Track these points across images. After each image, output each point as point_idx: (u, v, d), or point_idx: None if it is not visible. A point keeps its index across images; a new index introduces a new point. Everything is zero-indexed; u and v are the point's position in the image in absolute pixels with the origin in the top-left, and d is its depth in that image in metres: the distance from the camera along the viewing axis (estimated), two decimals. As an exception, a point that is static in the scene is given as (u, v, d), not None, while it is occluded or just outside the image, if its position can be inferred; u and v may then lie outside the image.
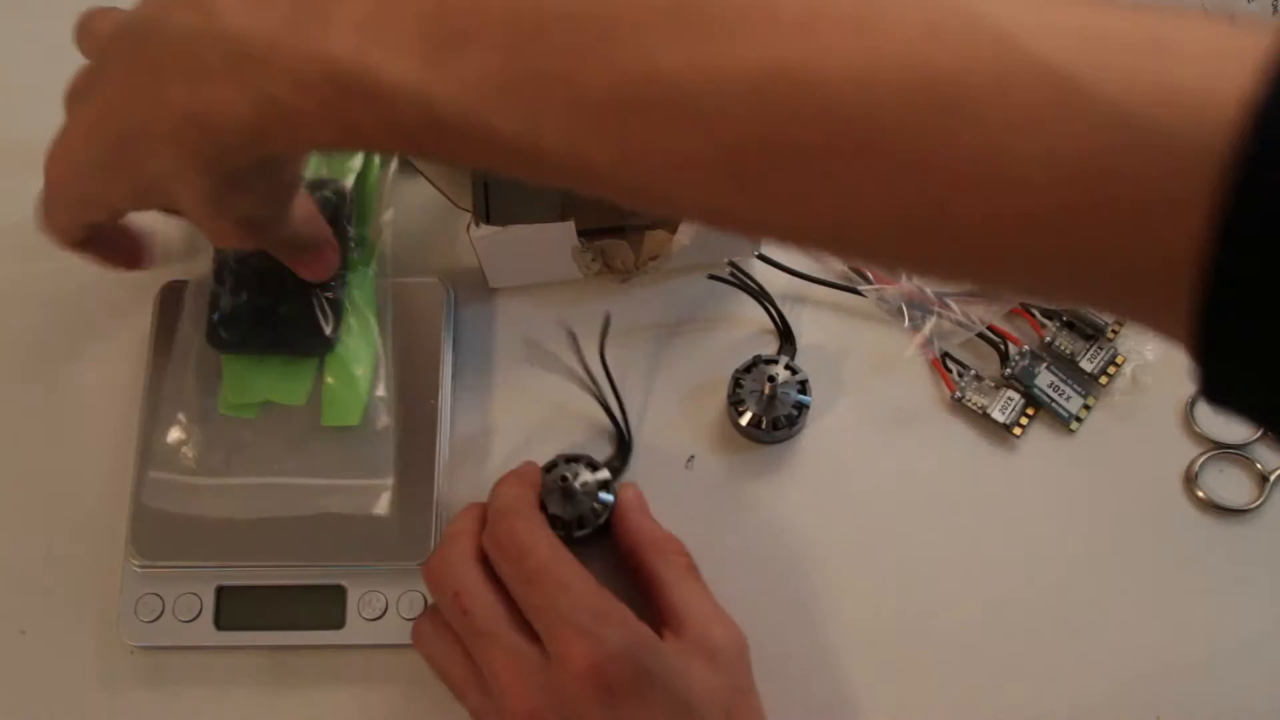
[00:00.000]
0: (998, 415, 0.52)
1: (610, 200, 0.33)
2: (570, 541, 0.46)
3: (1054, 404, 0.52)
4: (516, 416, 0.53)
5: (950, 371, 0.53)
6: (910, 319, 0.54)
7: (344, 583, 0.49)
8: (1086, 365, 0.53)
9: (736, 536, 0.51)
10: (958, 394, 0.52)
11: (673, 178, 0.31)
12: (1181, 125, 0.24)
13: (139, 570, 0.49)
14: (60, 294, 0.57)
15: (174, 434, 0.49)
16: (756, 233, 0.38)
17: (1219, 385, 0.26)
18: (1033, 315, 0.54)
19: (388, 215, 0.52)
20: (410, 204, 0.58)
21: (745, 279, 0.53)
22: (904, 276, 0.54)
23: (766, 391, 0.51)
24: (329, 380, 0.50)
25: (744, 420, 0.52)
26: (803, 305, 0.55)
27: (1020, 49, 0.26)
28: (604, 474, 0.50)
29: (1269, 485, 0.51)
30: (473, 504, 0.47)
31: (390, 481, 0.49)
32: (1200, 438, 0.52)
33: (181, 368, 0.50)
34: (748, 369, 0.52)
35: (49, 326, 0.56)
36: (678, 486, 0.52)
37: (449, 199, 0.49)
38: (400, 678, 0.49)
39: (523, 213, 0.57)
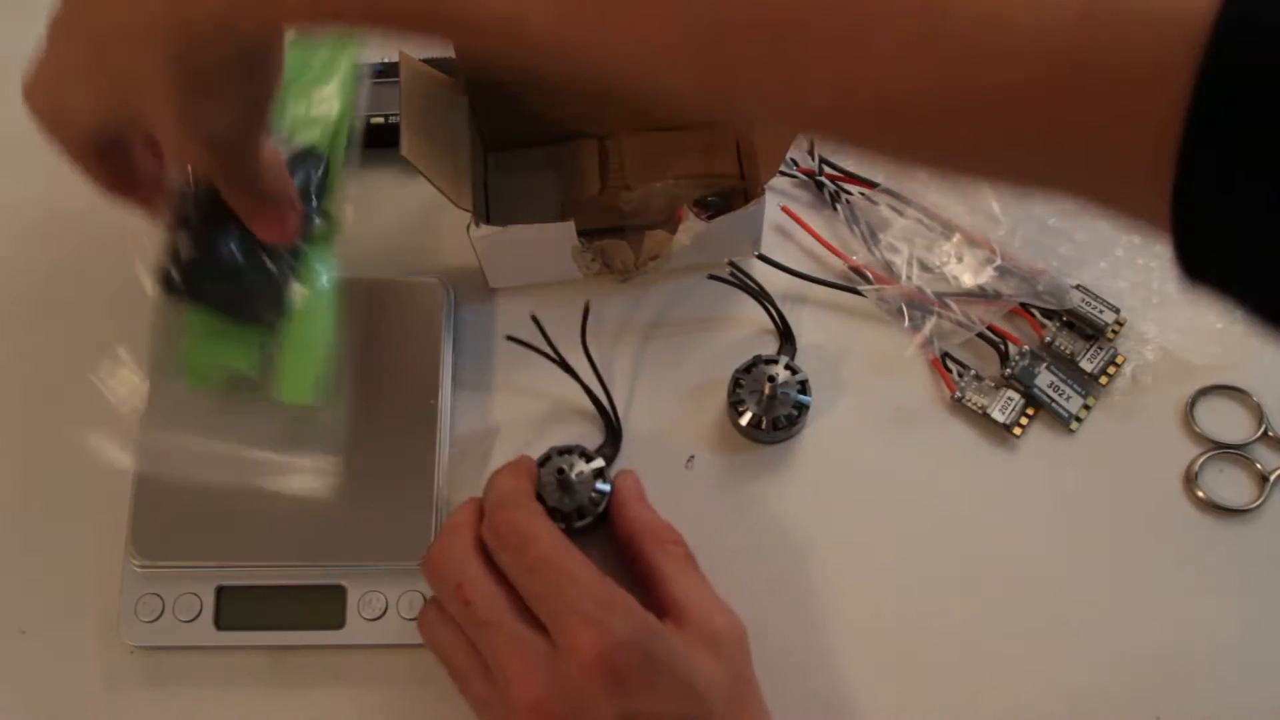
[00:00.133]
0: (998, 415, 0.52)
1: (584, 80, 0.32)
2: (571, 533, 0.46)
3: (1054, 404, 0.52)
4: (516, 416, 0.53)
5: (950, 371, 0.53)
6: (910, 319, 0.54)
7: (344, 583, 0.49)
8: (1086, 365, 0.53)
9: (736, 536, 0.51)
10: (958, 394, 0.52)
11: (653, 58, 0.31)
12: None
13: (139, 570, 0.49)
14: (60, 293, 0.57)
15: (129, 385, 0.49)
16: (740, 113, 0.37)
17: (1197, 256, 0.27)
18: (1033, 315, 0.54)
19: (349, 210, 0.51)
20: (410, 204, 0.58)
21: (745, 279, 0.53)
22: (905, 277, 0.54)
23: (766, 391, 0.51)
24: (285, 355, 0.48)
25: (744, 420, 0.52)
26: (803, 305, 0.55)
27: None
28: (599, 462, 0.50)
29: (1269, 485, 0.51)
30: (471, 498, 0.47)
31: (336, 464, 0.49)
32: (1200, 438, 0.52)
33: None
34: (748, 369, 0.52)
35: (49, 326, 0.56)
36: (678, 486, 0.52)
37: (449, 199, 0.49)
38: (400, 678, 0.49)
39: (523, 213, 0.57)
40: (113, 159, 0.43)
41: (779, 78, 0.30)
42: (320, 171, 0.48)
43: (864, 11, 0.28)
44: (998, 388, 0.52)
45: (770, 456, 0.53)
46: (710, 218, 0.52)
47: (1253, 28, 0.24)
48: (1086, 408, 0.52)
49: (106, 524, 0.51)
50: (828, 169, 0.58)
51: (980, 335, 0.53)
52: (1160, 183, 0.26)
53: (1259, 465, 0.51)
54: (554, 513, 0.48)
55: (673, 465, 0.52)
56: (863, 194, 0.57)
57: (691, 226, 0.52)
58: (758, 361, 0.52)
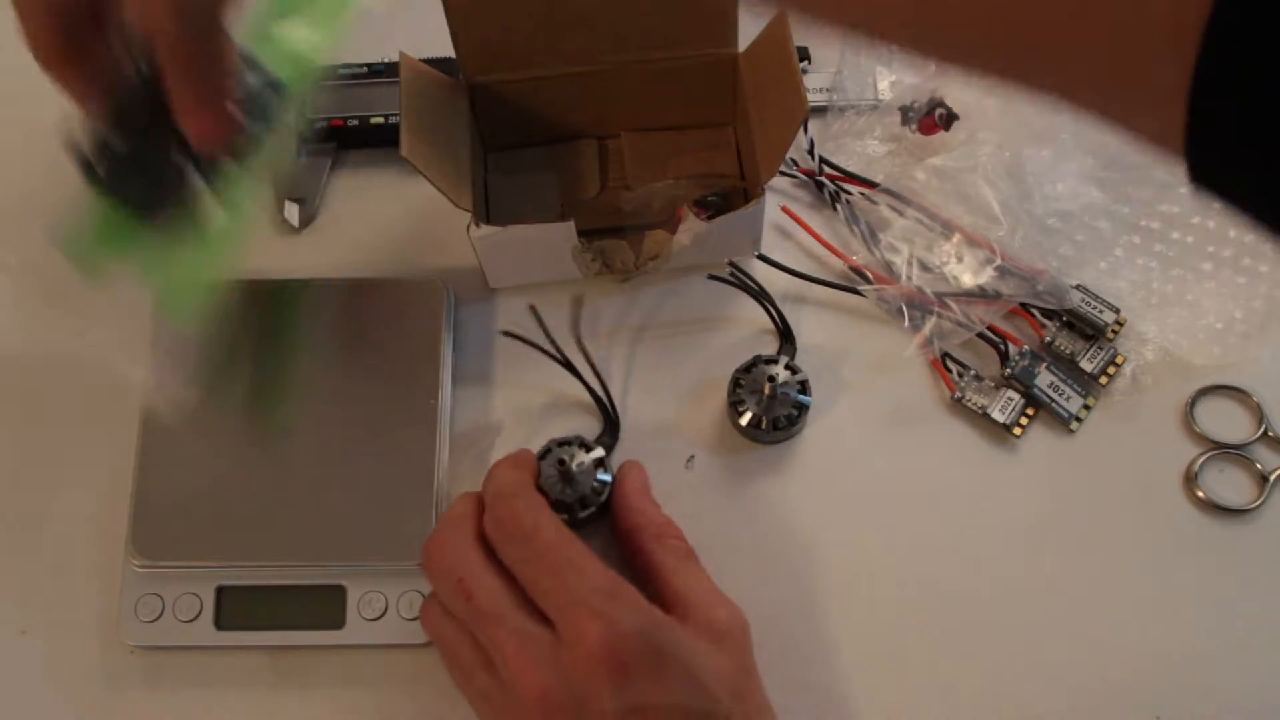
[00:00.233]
0: (998, 415, 0.52)
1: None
2: (574, 524, 0.47)
3: (1054, 404, 0.52)
4: (517, 416, 0.53)
5: (950, 371, 0.53)
6: (910, 319, 0.54)
7: (344, 583, 0.49)
8: (1086, 365, 0.53)
9: (736, 536, 0.51)
10: (958, 394, 0.52)
11: None
12: None
13: (139, 570, 0.49)
14: (60, 293, 0.57)
15: None
16: None
17: (1210, 150, 0.26)
18: (1033, 315, 0.54)
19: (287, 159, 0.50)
20: (410, 204, 0.58)
21: (745, 279, 0.53)
22: (905, 277, 0.54)
23: (766, 391, 0.51)
24: (179, 269, 0.47)
25: (744, 420, 0.52)
26: (803, 305, 0.55)
27: None
28: (599, 452, 0.50)
29: (1269, 485, 0.51)
30: (467, 492, 0.46)
31: (182, 389, 0.49)
32: (1200, 438, 0.52)
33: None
34: (748, 369, 0.52)
35: (49, 326, 0.56)
36: (678, 486, 0.52)
37: (449, 199, 0.49)
38: (400, 678, 0.49)
39: (523, 213, 0.57)
40: (66, 25, 0.40)
41: None
42: (274, 101, 0.46)
43: None
44: (998, 388, 0.52)
45: (770, 456, 0.53)
46: (710, 218, 0.52)
47: None
48: (1086, 408, 0.52)
49: (106, 524, 0.51)
50: (828, 169, 0.58)
51: (980, 335, 0.53)
52: (1177, 79, 0.25)
53: (1259, 465, 0.51)
54: (557, 505, 0.48)
55: (673, 465, 0.52)
56: (863, 194, 0.57)
57: (691, 226, 0.52)
58: (758, 361, 0.52)
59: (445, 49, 0.53)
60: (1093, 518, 0.51)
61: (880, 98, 0.59)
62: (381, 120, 0.59)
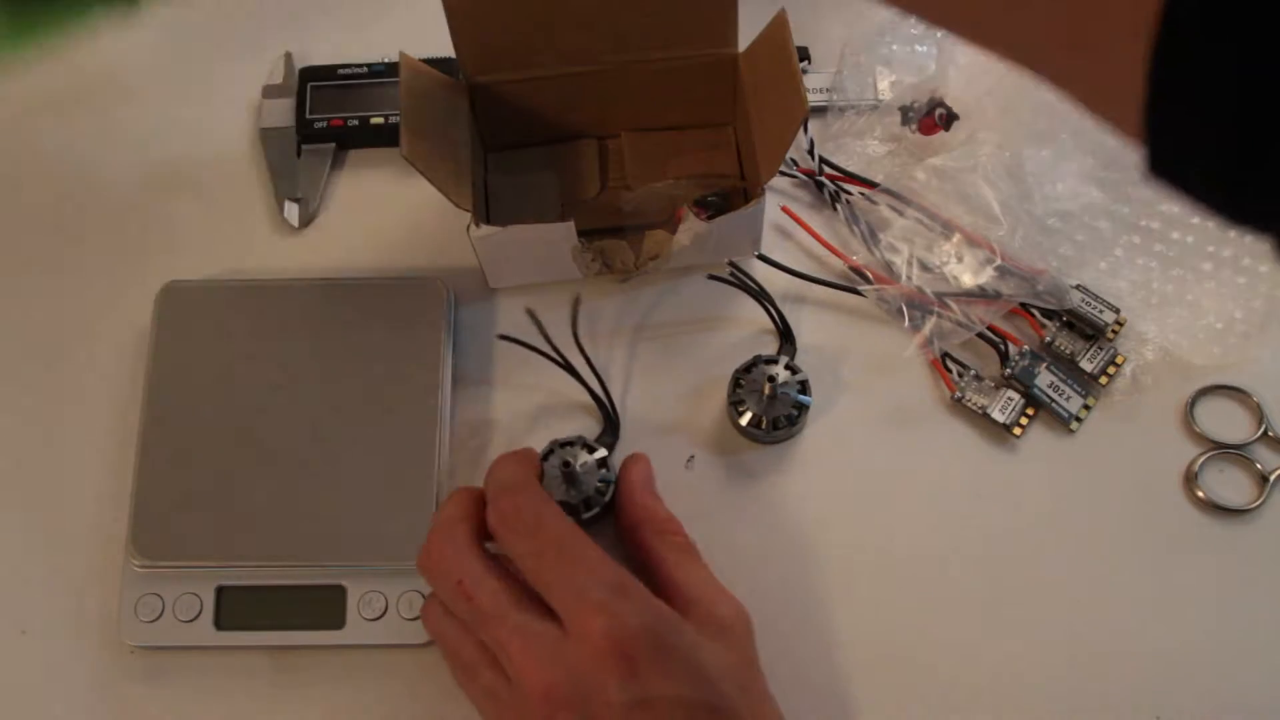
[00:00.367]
0: (998, 415, 0.52)
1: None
2: (579, 525, 0.46)
3: (1054, 404, 0.52)
4: (517, 415, 0.53)
5: (950, 371, 0.53)
6: (910, 319, 0.54)
7: (344, 583, 0.49)
8: (1086, 365, 0.53)
9: (736, 536, 0.51)
10: (958, 394, 0.52)
11: None
12: None
13: (139, 570, 0.49)
14: (60, 294, 0.57)
15: None
16: None
17: (1166, 138, 0.26)
18: (1033, 315, 0.54)
19: None
20: (410, 204, 0.58)
21: (745, 279, 0.53)
22: (905, 277, 0.54)
23: (766, 391, 0.51)
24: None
25: (744, 420, 0.52)
26: (803, 305, 0.55)
27: None
28: (601, 452, 0.50)
29: (1269, 485, 0.51)
30: (460, 489, 0.46)
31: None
32: (1200, 438, 0.52)
33: None
34: (748, 369, 0.52)
35: (49, 326, 0.56)
36: (678, 486, 0.52)
37: (449, 199, 0.49)
38: (400, 678, 0.49)
39: (523, 213, 0.57)
40: None
41: None
42: None
43: None
44: (998, 388, 0.52)
45: (770, 456, 0.53)
46: (710, 218, 0.52)
47: None
48: (1086, 408, 0.52)
49: (106, 524, 0.51)
50: (828, 169, 0.58)
51: (980, 335, 0.53)
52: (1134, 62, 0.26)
53: (1259, 465, 0.51)
54: (561, 506, 0.48)
55: (673, 465, 0.52)
56: (863, 194, 0.57)
57: (691, 226, 0.52)
58: (758, 361, 0.52)
59: (445, 49, 0.53)
60: (1093, 518, 0.51)
61: (880, 98, 0.59)
62: (381, 120, 0.59)
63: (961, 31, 0.32)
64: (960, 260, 0.54)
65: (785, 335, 0.54)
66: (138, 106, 0.62)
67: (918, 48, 0.60)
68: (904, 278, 0.55)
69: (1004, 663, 0.48)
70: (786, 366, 0.52)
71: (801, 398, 0.51)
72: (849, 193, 0.57)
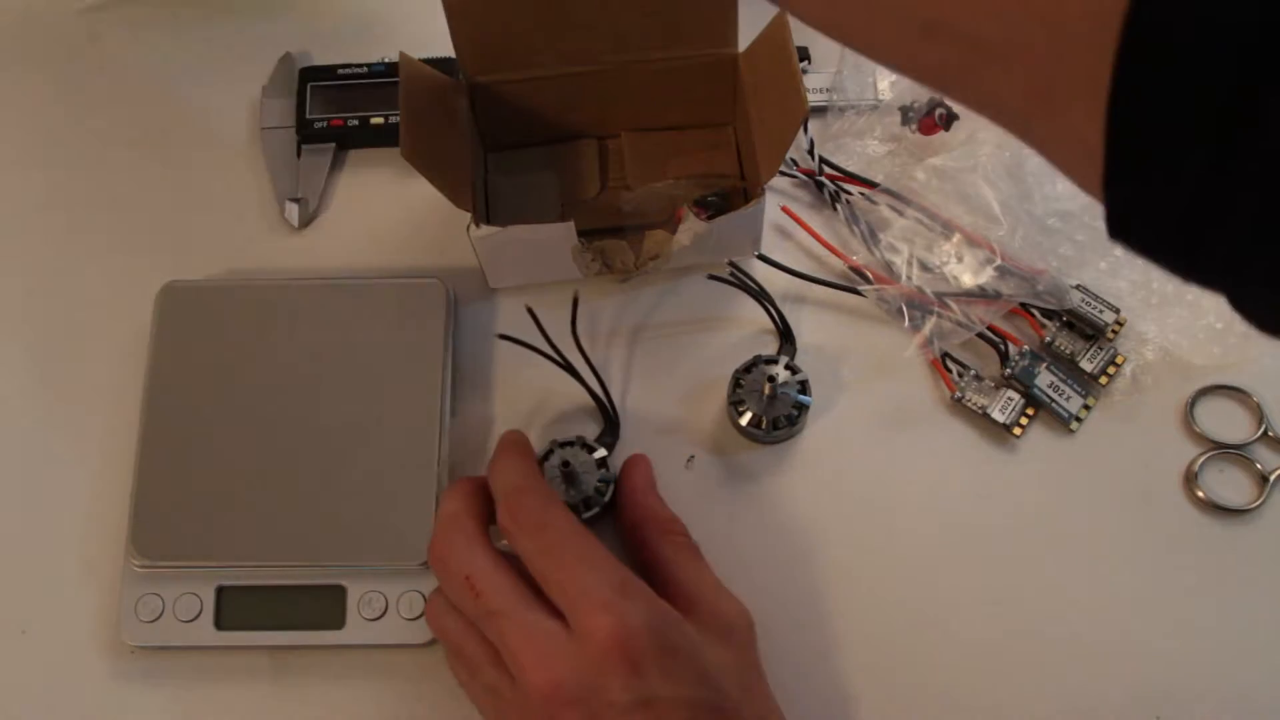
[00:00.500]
0: (998, 415, 0.52)
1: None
2: None
3: (1054, 404, 0.52)
4: (517, 415, 0.53)
5: (950, 371, 0.53)
6: (910, 319, 0.54)
7: (344, 583, 0.49)
8: (1086, 365, 0.53)
9: (736, 536, 0.51)
10: (958, 394, 0.52)
11: None
12: None
13: (139, 570, 0.49)
14: (60, 294, 0.57)
15: None
16: None
17: (1124, 203, 0.28)
18: (1033, 315, 0.54)
19: None
20: (410, 204, 0.58)
21: (745, 279, 0.53)
22: (905, 277, 0.54)
23: (766, 391, 0.51)
24: None
25: (744, 420, 0.52)
26: (803, 305, 0.55)
27: None
28: (601, 452, 0.50)
29: (1269, 485, 0.51)
30: (462, 479, 0.46)
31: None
32: (1200, 438, 0.52)
33: None
34: (748, 369, 0.52)
35: (49, 327, 0.56)
36: (678, 486, 0.52)
37: (449, 199, 0.49)
38: (400, 678, 0.49)
39: (523, 213, 0.57)
40: None
41: None
42: None
43: None
44: (998, 388, 0.52)
45: (770, 456, 0.53)
46: (710, 218, 0.52)
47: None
48: (1086, 408, 0.52)
49: (106, 524, 0.51)
50: (828, 169, 0.58)
51: (980, 335, 0.53)
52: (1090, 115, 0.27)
53: (1259, 465, 0.51)
54: None
55: (673, 465, 0.52)
56: (863, 194, 0.57)
57: (691, 226, 0.52)
58: (758, 361, 0.52)
59: (445, 49, 0.53)
60: (1093, 518, 0.51)
61: (880, 98, 0.59)
62: (381, 120, 0.59)
63: (934, 88, 0.34)
64: (960, 260, 0.54)
65: (785, 335, 0.54)
66: (138, 106, 0.62)
67: (918, 48, 0.60)
68: (904, 278, 0.55)
69: (1004, 662, 0.48)
70: (786, 366, 0.52)
71: (801, 398, 0.51)
72: (849, 193, 0.57)
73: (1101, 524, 0.51)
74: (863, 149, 0.58)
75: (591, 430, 0.52)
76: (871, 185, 0.57)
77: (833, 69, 0.60)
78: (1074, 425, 0.52)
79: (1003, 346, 0.53)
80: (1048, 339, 0.53)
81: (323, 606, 0.49)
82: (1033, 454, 0.52)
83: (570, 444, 0.50)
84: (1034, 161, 0.56)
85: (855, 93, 0.59)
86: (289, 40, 0.62)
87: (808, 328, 0.55)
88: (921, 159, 0.57)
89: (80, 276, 0.57)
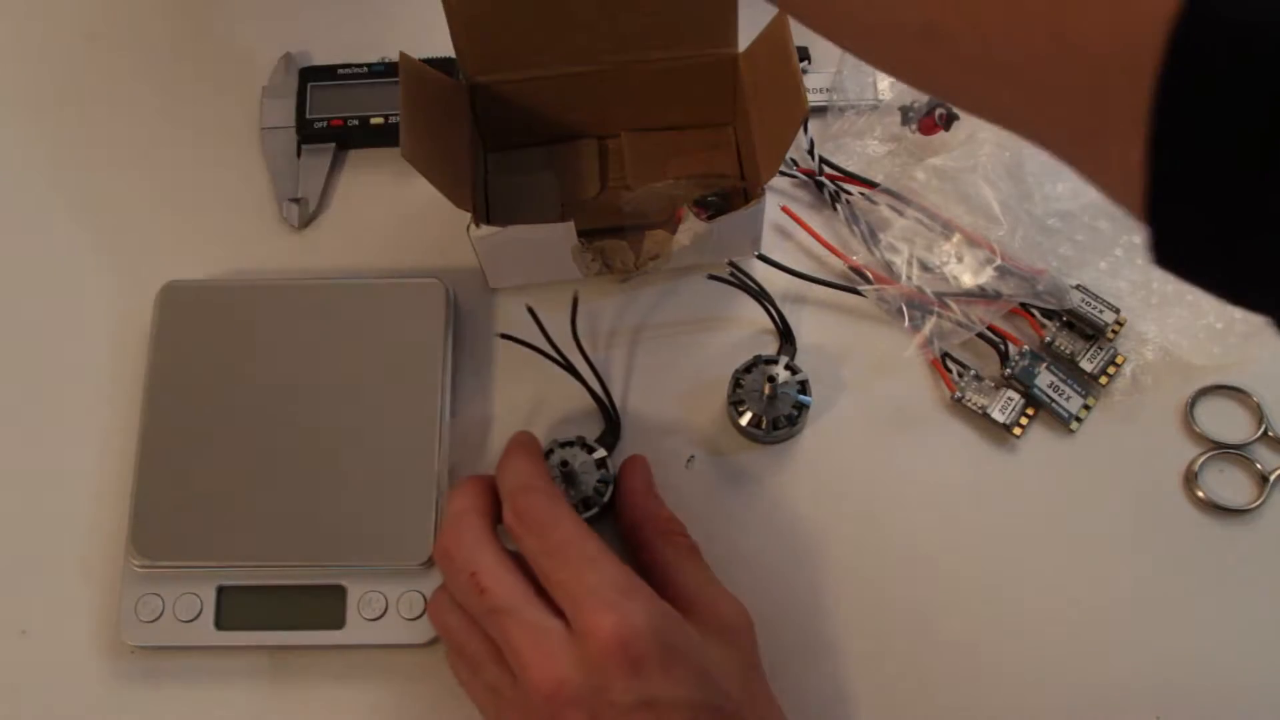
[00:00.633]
0: (998, 415, 0.52)
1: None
2: None
3: (1054, 404, 0.52)
4: (517, 415, 0.53)
5: (950, 371, 0.53)
6: (910, 319, 0.54)
7: (344, 583, 0.49)
8: (1086, 365, 0.53)
9: (736, 536, 0.51)
10: (958, 394, 0.52)
11: None
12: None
13: (139, 570, 0.49)
14: (61, 294, 0.57)
15: None
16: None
17: (1169, 231, 0.29)
18: (1033, 315, 0.54)
19: None
20: (410, 204, 0.58)
21: (745, 279, 0.53)
22: (905, 277, 0.54)
23: (766, 391, 0.51)
24: None
25: (744, 420, 0.52)
26: (803, 305, 0.55)
27: None
28: (601, 453, 0.50)
29: (1269, 485, 0.51)
30: (471, 478, 0.46)
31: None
32: (1200, 438, 0.52)
33: None
34: (748, 369, 0.52)
35: (49, 327, 0.56)
36: (678, 486, 0.52)
37: (449, 199, 0.49)
38: (400, 678, 0.49)
39: (523, 213, 0.57)
40: None
41: None
42: None
43: None
44: (998, 388, 0.52)
45: (770, 456, 0.53)
46: (710, 218, 0.52)
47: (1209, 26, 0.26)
48: (1086, 408, 0.52)
49: (106, 524, 0.51)
50: (828, 169, 0.58)
51: (980, 335, 0.53)
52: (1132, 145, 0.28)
53: (1259, 465, 0.51)
54: None
55: (673, 465, 0.52)
56: (863, 194, 0.57)
57: (691, 226, 0.52)
58: (758, 361, 0.52)
59: (445, 49, 0.53)
60: (1093, 518, 0.51)
61: (880, 98, 0.59)
62: (381, 120, 0.59)
63: (981, 116, 0.35)
64: (960, 260, 0.54)
65: (785, 335, 0.54)
66: (138, 106, 0.62)
67: (918, 48, 0.60)
68: (904, 278, 0.55)
69: (1004, 662, 0.48)
70: (786, 366, 0.52)
71: (801, 398, 0.51)
72: (849, 193, 0.57)
73: (1101, 524, 0.51)
74: (863, 149, 0.58)
75: (591, 430, 0.52)
76: (871, 185, 0.57)
77: (833, 69, 0.60)
78: (1074, 425, 0.52)
79: (1003, 346, 0.53)
80: (1048, 339, 0.53)
81: (323, 606, 0.49)
82: (1033, 454, 0.52)
83: (570, 444, 0.50)
84: (1034, 161, 0.56)
85: (855, 93, 0.59)
86: (289, 40, 0.62)
87: (808, 328, 0.55)
88: (921, 159, 0.57)
89: (80, 276, 0.57)
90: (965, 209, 0.55)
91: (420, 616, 0.48)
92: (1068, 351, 0.53)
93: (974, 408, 0.52)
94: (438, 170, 0.49)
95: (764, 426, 0.51)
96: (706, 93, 0.56)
